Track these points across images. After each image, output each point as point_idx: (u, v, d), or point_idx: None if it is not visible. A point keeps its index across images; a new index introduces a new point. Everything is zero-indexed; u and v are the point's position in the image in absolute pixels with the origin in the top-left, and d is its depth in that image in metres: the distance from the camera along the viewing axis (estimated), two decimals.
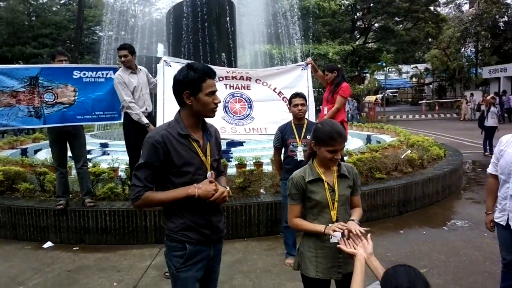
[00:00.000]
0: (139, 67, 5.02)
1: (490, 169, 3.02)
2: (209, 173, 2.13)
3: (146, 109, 4.96)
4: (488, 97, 11.20)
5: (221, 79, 5.34)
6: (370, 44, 33.83)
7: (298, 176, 2.33)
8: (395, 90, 45.36)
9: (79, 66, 5.37)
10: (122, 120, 5.02)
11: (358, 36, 33.02)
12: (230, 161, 6.65)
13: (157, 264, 4.25)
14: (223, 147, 7.00)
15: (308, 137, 4.05)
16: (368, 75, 33.67)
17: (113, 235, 4.84)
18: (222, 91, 5.28)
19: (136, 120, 4.77)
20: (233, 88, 5.40)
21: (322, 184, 2.27)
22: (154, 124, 4.84)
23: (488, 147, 10.66)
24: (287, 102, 5.47)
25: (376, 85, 29.51)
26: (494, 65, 30.95)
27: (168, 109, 4.82)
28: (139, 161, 2.06)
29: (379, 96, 29.46)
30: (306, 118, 4.23)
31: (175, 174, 2.07)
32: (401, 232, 5.09)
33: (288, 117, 4.41)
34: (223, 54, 8.81)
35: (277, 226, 4.93)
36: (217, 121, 5.29)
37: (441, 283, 3.72)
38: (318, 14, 23.65)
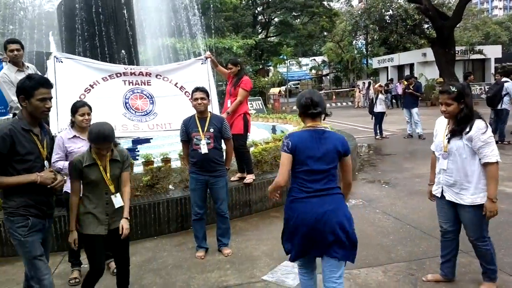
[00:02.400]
0: (26, 64, 4.68)
1: (431, 146, 3.45)
2: (46, 163, 2.76)
3: None
4: (376, 86, 12.34)
5: (118, 75, 5.18)
6: (272, 38, 34.99)
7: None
8: (297, 82, 47.51)
9: None
10: (10, 116, 4.65)
11: (260, 30, 33.97)
12: (137, 159, 6.47)
13: (61, 273, 4.04)
14: (129, 145, 6.80)
15: (212, 130, 4.16)
16: (272, 68, 34.83)
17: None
18: (121, 87, 5.13)
19: None
20: (132, 84, 5.28)
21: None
22: (48, 123, 4.54)
23: (378, 131, 11.80)
24: (190, 96, 5.52)
25: (279, 77, 30.67)
26: (382, 56, 34.08)
27: (62, 107, 4.56)
28: None
29: (283, 88, 30.65)
30: (210, 111, 4.31)
31: (19, 161, 2.60)
32: None
33: (192, 111, 4.46)
34: (122, 50, 8.45)
35: (188, 221, 4.97)
36: (118, 118, 5.13)
37: None
38: (220, 8, 23.81)
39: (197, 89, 4.19)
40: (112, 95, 5.03)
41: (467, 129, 3.05)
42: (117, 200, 3.05)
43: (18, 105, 4.40)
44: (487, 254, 3.27)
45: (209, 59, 5.61)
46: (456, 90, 3.06)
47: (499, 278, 3.45)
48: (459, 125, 3.10)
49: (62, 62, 4.81)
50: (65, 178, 2.82)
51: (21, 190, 2.64)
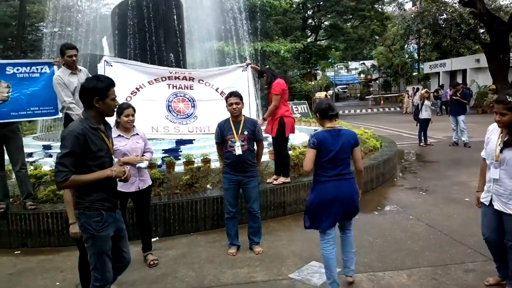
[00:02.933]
0: (79, 67, 5.07)
1: (482, 153, 3.43)
2: (116, 159, 2.90)
3: None
4: (423, 91, 12.03)
5: (163, 79, 5.53)
6: (321, 41, 34.78)
7: None
8: (345, 86, 46.87)
9: (12, 62, 5.26)
10: (60, 115, 5.03)
11: (309, 34, 33.86)
12: (179, 159, 6.81)
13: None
14: (172, 145, 7.17)
15: (246, 132, 4.37)
16: (319, 71, 34.63)
17: (56, 237, 4.86)
18: (165, 90, 5.46)
19: None
20: (176, 88, 5.61)
21: None
22: None
23: (423, 138, 11.50)
24: None
25: (327, 81, 30.46)
26: (434, 61, 32.85)
27: None
28: (61, 152, 2.64)
29: (330, 92, 30.43)
30: (244, 115, 4.52)
31: (91, 158, 2.72)
32: None
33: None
34: (171, 54, 8.86)
35: (223, 220, 5.16)
36: (160, 120, 5.47)
37: (366, 261, 4.15)
38: (269, 12, 24.07)
39: (231, 94, 4.41)
40: (157, 98, 5.38)
41: None
42: None
43: (70, 105, 4.85)
44: None
45: (249, 66, 5.83)
46: None
47: None
48: None
49: (111, 66, 5.22)
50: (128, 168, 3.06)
51: (96, 185, 2.75)
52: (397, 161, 8.73)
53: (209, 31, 14.98)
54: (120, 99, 5.02)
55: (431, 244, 4.52)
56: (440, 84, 26.21)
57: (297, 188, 5.82)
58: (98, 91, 2.73)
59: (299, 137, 9.56)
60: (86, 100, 2.76)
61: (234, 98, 4.36)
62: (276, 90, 5.52)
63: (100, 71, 5.21)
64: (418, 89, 20.94)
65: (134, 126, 4.24)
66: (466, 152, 9.95)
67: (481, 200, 3.39)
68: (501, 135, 3.18)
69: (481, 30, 26.81)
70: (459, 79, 22.64)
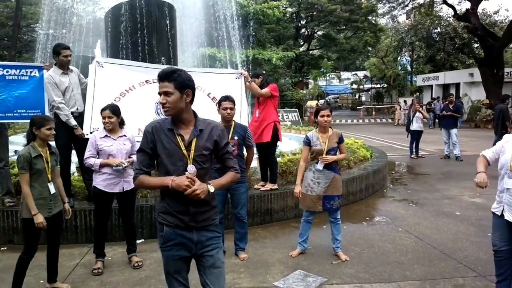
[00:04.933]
0: (70, 67, 5.06)
1: (485, 152, 3.37)
2: (190, 167, 2.31)
3: (77, 109, 5.04)
4: (415, 103, 12.09)
5: (155, 81, 5.44)
6: (313, 51, 35.00)
7: None
8: (336, 95, 47.12)
9: (2, 63, 5.24)
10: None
11: (302, 43, 34.07)
12: None
13: (86, 263, 4.31)
14: None
15: (236, 137, 4.31)
16: (311, 80, 34.81)
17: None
18: (155, 93, 5.35)
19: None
20: None
21: None
22: (82, 125, 4.89)
23: (414, 150, 11.53)
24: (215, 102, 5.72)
25: (318, 90, 30.60)
26: (427, 74, 33.24)
27: (96, 109, 4.85)
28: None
29: (321, 101, 30.55)
30: (234, 120, 4.47)
31: (161, 162, 2.35)
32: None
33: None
34: (162, 57, 8.84)
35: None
36: (147, 122, 5.36)
37: (353, 272, 4.09)
38: (263, 20, 24.17)
39: (226, 98, 4.35)
40: (146, 100, 5.29)
41: None
42: (52, 187, 3.58)
43: (60, 105, 4.81)
44: None
45: (243, 76, 5.80)
46: None
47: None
48: None
49: (103, 67, 5.15)
50: (210, 185, 2.34)
51: (164, 193, 2.35)
52: (387, 172, 8.72)
53: (202, 37, 14.99)
54: (108, 99, 4.98)
55: (420, 257, 4.46)
56: (435, 96, 26.45)
57: (284, 195, 5.77)
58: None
59: (289, 145, 9.55)
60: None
61: (228, 102, 4.31)
62: (275, 92, 5.58)
63: (91, 72, 5.17)
64: (413, 101, 21.11)
65: (122, 127, 4.18)
66: (457, 166, 10.00)
67: (493, 210, 3.31)
68: None
69: (475, 45, 27.22)
70: (453, 92, 22.87)
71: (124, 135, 4.18)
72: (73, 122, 4.83)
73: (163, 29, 8.83)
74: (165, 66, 6.35)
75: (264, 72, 5.89)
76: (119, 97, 5.25)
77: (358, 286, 3.79)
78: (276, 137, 5.59)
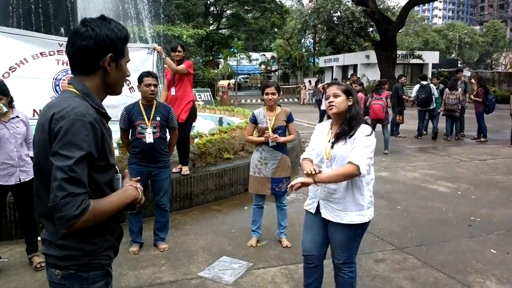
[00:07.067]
0: None
1: (304, 154, 2.89)
2: (125, 170, 1.77)
3: None
4: (320, 86, 12.61)
5: (51, 53, 4.75)
6: (223, 30, 34.61)
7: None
8: (246, 75, 47.50)
9: None
10: None
11: (211, 22, 33.42)
12: None
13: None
14: None
15: (158, 118, 3.94)
16: (222, 60, 34.52)
17: None
18: (53, 67, 4.69)
19: None
20: (66, 64, 4.84)
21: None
22: None
23: None
24: (130, 86, 5.22)
25: (229, 70, 30.47)
26: (328, 55, 34.95)
27: None
28: (73, 155, 1.36)
29: (232, 81, 30.49)
30: (156, 99, 4.08)
31: (102, 168, 1.50)
32: (245, 208, 5.37)
33: (130, 101, 4.20)
34: (61, 28, 7.88)
35: (123, 214, 4.70)
36: (45, 101, 4.65)
37: (277, 253, 4.07)
38: None
39: (149, 74, 3.96)
40: (41, 75, 4.59)
41: None
42: None
43: None
44: None
45: (155, 52, 5.37)
46: None
47: (432, 275, 3.59)
48: None
49: None
50: None
51: (105, 222, 1.52)
52: (300, 150, 8.92)
53: (106, 10, 13.79)
54: None
55: None
56: (335, 77, 27.93)
57: (204, 177, 5.53)
58: (113, 44, 1.55)
59: (205, 125, 9.27)
60: (91, 60, 1.53)
61: (152, 79, 3.92)
62: (191, 69, 5.28)
63: None
64: (317, 81, 22.09)
65: (13, 108, 3.56)
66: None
67: (305, 208, 2.92)
68: None
69: (371, 29, 29.18)
70: (351, 73, 24.41)
71: (17, 116, 3.57)
72: None
73: None
74: (64, 38, 5.64)
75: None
76: (8, 72, 4.48)
77: (284, 268, 3.75)
78: (193, 117, 5.34)
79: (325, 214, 2.70)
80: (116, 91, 1.67)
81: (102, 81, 1.58)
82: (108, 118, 1.63)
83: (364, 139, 2.59)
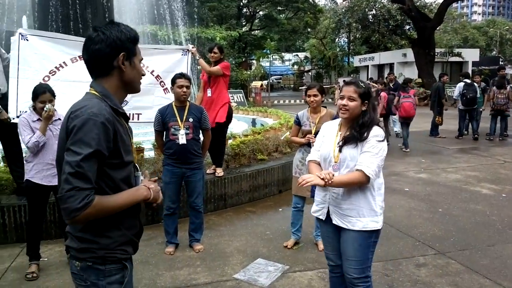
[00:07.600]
0: None
1: (309, 156, 2.71)
2: (144, 170, 1.85)
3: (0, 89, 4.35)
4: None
5: None
6: (256, 31, 34.71)
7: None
8: (279, 76, 47.44)
9: None
10: None
11: (244, 23, 33.57)
12: None
13: (18, 266, 3.78)
14: None
15: (191, 119, 3.94)
16: (254, 61, 34.62)
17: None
18: None
19: None
20: None
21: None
22: (6, 108, 4.24)
23: None
24: (164, 87, 5.26)
25: (262, 71, 30.50)
26: (363, 54, 34.32)
27: (22, 89, 4.25)
28: (81, 151, 1.44)
29: (265, 82, 30.50)
30: (189, 101, 4.09)
31: (117, 165, 1.57)
32: (280, 210, 5.31)
33: (164, 103, 4.22)
34: None
35: (159, 214, 4.74)
36: None
37: (314, 257, 3.96)
38: None
39: (182, 76, 3.95)
40: (80, 78, 4.68)
41: None
42: None
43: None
44: None
45: (189, 53, 5.39)
46: None
47: (477, 281, 3.39)
48: None
49: (27, 40, 4.45)
50: None
51: (119, 217, 1.61)
52: None
53: (142, 13, 14.11)
54: (36, 79, 4.36)
55: None
56: (371, 76, 27.36)
57: (238, 179, 5.51)
58: (125, 43, 1.62)
59: (239, 126, 9.28)
60: (106, 61, 1.61)
61: (184, 80, 3.91)
62: (227, 70, 5.27)
63: (14, 46, 4.44)
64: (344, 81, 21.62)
65: (55, 110, 3.65)
66: (399, 142, 10.28)
67: (314, 215, 2.73)
68: None
69: (407, 27, 28.40)
70: (388, 72, 23.84)
71: (59, 119, 3.65)
72: None
73: (98, 2, 8.06)
74: None
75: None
76: (49, 76, 4.61)
77: (322, 271, 3.65)
78: (230, 118, 5.36)
79: (336, 220, 2.52)
80: (135, 89, 1.74)
81: (119, 81, 1.66)
82: (127, 118, 1.72)
83: (377, 145, 2.42)
